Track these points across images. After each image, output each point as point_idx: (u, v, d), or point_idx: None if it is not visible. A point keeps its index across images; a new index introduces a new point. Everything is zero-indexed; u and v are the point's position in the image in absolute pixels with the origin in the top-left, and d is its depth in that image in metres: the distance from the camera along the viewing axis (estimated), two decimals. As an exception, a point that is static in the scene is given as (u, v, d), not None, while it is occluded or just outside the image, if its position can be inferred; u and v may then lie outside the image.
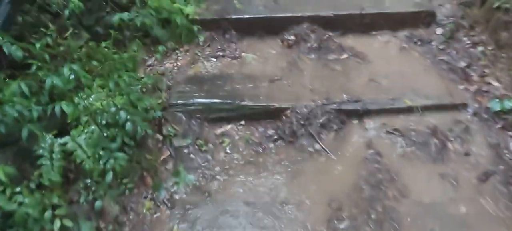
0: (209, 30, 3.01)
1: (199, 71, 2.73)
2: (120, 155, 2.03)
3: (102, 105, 2.15)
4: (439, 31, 2.86)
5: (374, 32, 2.99)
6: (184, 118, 2.44)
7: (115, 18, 2.71)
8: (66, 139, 1.99)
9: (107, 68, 2.53)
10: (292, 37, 2.94)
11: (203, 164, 2.25)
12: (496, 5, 2.62)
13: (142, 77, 2.57)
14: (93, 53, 2.59)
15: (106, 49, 2.63)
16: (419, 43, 2.83)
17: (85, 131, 2.08)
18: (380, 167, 2.14)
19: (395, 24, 2.97)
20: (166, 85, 2.60)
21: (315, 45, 2.87)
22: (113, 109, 2.12)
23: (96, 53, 2.60)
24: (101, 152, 2.00)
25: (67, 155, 1.99)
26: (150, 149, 2.26)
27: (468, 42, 2.72)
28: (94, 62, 2.53)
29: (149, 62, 2.78)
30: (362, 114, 2.42)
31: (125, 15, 2.73)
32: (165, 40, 2.89)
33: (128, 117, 2.12)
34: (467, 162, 2.16)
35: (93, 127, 2.08)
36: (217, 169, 2.23)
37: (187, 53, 2.87)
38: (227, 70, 2.72)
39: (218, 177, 2.19)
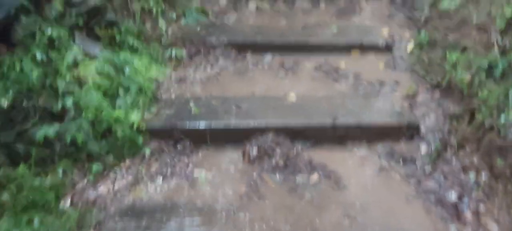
0: (158, 140, 2.57)
1: (140, 198, 2.26)
2: None
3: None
4: (423, 148, 2.47)
5: (349, 145, 2.59)
6: (111, 269, 1.95)
7: (39, 133, 2.27)
8: None
9: (20, 202, 2.06)
10: (255, 150, 2.52)
11: None
12: (487, 124, 2.25)
13: (63, 214, 2.09)
14: (7, 181, 2.13)
15: (25, 173, 2.18)
16: (400, 162, 2.43)
17: None
18: None
19: (373, 136, 2.59)
20: (95, 220, 2.11)
21: (280, 162, 2.46)
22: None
23: (11, 181, 2.14)
24: None
25: None
26: None
27: (458, 165, 2.33)
28: (5, 195, 2.07)
29: (80, 185, 2.30)
30: (334, 266, 1.96)
31: (51, 130, 2.29)
32: (102, 155, 2.43)
33: None
34: None
35: None
36: None
37: (129, 171, 2.41)
38: (174, 197, 2.26)
39: None
